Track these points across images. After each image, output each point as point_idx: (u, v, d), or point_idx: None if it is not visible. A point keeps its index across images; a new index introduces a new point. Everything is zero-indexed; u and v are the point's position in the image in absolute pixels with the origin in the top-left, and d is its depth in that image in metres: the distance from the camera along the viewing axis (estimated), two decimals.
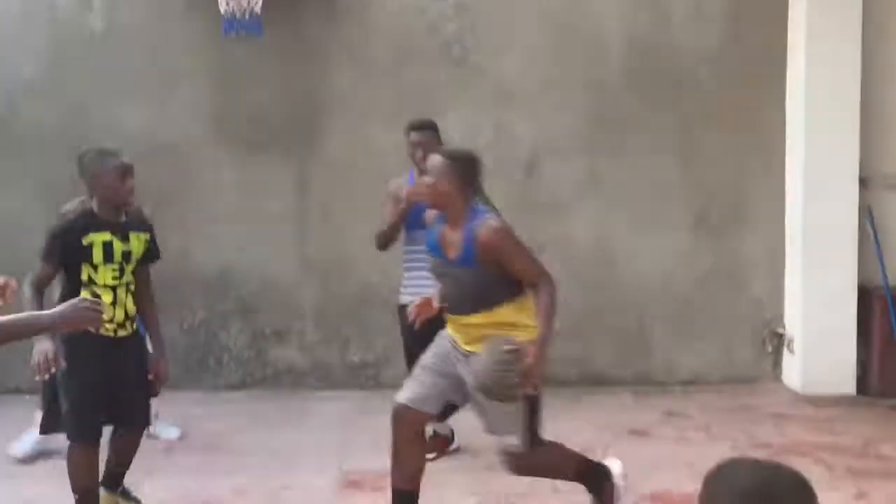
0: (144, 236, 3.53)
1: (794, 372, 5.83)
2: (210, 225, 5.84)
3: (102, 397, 3.40)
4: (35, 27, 5.73)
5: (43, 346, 3.14)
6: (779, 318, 5.99)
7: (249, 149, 5.84)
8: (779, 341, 5.97)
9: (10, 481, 4.23)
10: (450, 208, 3.34)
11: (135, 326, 3.56)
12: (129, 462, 3.68)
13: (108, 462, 3.64)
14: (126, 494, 3.71)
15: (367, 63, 5.85)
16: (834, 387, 5.64)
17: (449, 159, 3.36)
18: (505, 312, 3.34)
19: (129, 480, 3.74)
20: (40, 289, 3.36)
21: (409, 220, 4.25)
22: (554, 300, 3.34)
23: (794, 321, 5.86)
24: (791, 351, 5.86)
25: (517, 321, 3.35)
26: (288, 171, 5.85)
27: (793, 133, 5.87)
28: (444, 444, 4.56)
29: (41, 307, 3.27)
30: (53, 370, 3.15)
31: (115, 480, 3.67)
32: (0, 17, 5.71)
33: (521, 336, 3.28)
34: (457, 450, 4.60)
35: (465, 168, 3.36)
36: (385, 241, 4.44)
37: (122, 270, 3.39)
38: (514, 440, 3.31)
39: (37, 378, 3.23)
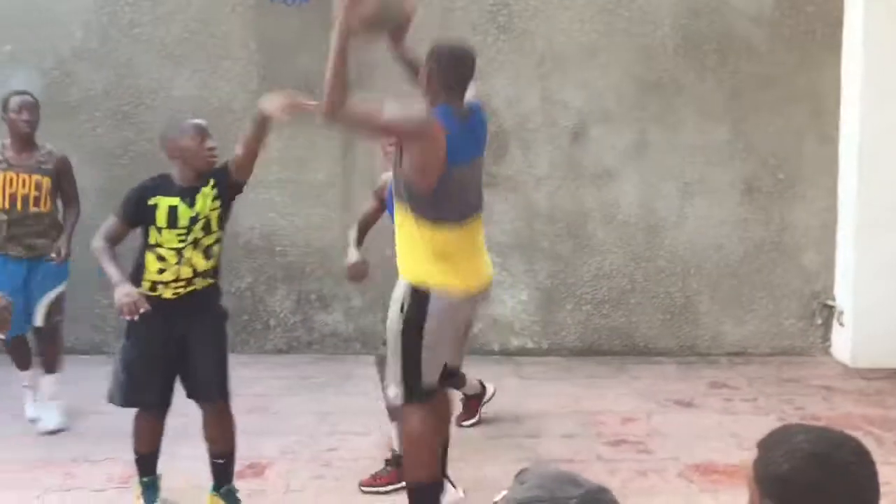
0: (209, 190, 3.36)
1: (843, 344, 5.73)
2: (257, 190, 5.87)
3: (164, 366, 3.36)
4: None
5: (125, 289, 3.15)
6: (829, 289, 5.88)
7: (295, 115, 5.84)
8: (829, 313, 5.87)
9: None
10: (428, 97, 3.16)
11: (210, 282, 3.42)
12: (226, 452, 3.49)
13: (208, 453, 3.51)
14: (231, 496, 3.52)
15: (413, 29, 5.79)
16: (885, 360, 5.53)
17: (435, 48, 3.20)
18: (408, 228, 3.10)
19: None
20: (110, 241, 3.33)
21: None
22: (357, 114, 3.00)
23: (844, 293, 5.75)
24: (841, 323, 5.76)
25: (414, 251, 3.09)
26: (334, 137, 5.86)
27: (848, 99, 5.71)
28: (476, 405, 4.54)
29: (112, 257, 3.28)
30: (142, 310, 3.15)
31: (216, 477, 3.50)
32: None
33: (416, 277, 3.09)
34: (493, 394, 4.57)
35: (445, 60, 3.15)
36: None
37: (188, 231, 3.32)
38: (393, 390, 3.16)
39: (125, 318, 3.18)
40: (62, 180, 4.56)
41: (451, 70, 3.15)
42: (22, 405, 4.62)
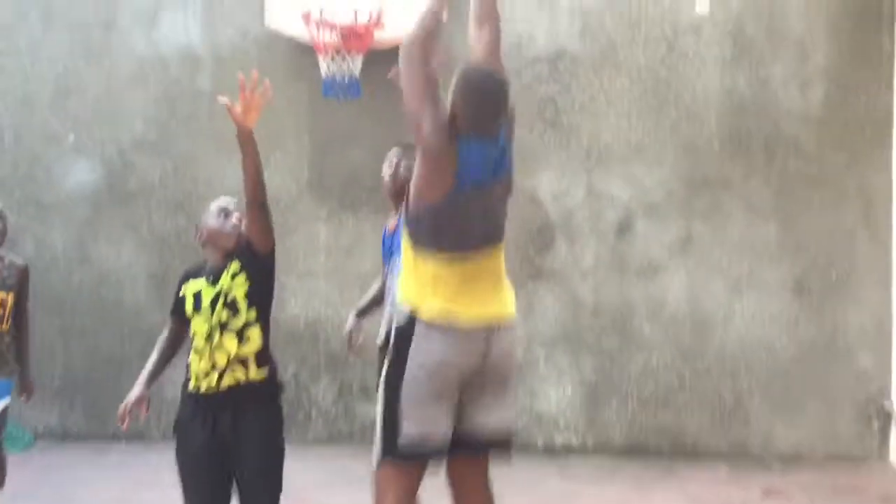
0: (234, 264, 3.16)
1: None
2: (303, 279, 5.96)
3: (207, 472, 3.17)
4: (148, 86, 6.03)
5: (130, 395, 3.09)
6: (885, 392, 5.68)
7: (343, 206, 5.96)
8: (886, 418, 5.65)
9: None
10: (451, 122, 2.84)
11: (252, 375, 3.12)
12: None
13: None
14: None
15: None
16: None
17: (462, 75, 2.84)
18: (406, 255, 2.84)
19: None
20: (168, 339, 3.28)
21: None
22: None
23: None
24: None
25: (406, 282, 2.82)
26: (380, 228, 5.91)
27: None
28: None
29: (157, 355, 3.23)
30: (128, 421, 3.07)
31: None
32: (116, 77, 6.04)
33: (406, 304, 2.81)
34: None
35: (470, 94, 2.81)
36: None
37: (212, 312, 3.12)
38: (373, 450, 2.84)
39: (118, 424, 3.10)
40: (21, 293, 4.07)
41: (476, 106, 2.82)
42: (69, 494, 4.61)
